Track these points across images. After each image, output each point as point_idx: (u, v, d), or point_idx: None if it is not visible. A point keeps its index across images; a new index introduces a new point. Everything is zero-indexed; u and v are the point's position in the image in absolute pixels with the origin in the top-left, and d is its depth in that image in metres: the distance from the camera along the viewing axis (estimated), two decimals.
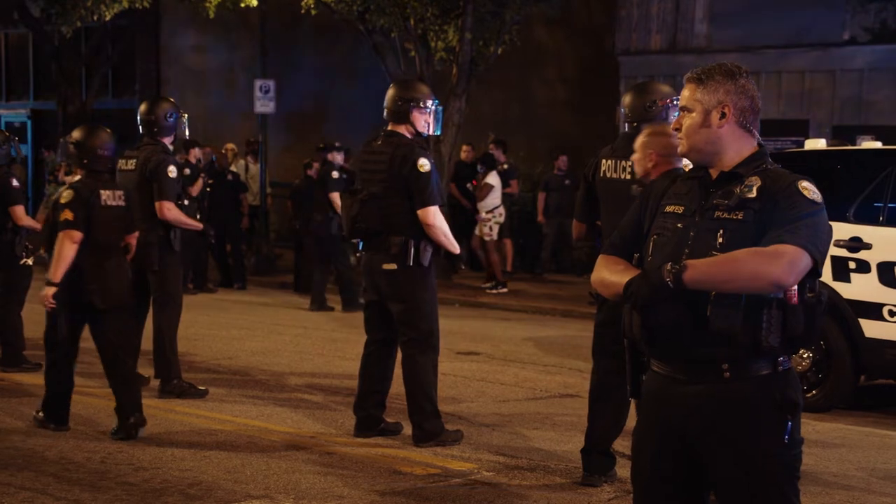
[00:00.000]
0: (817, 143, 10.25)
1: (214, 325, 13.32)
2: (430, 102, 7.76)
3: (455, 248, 7.76)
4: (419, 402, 7.76)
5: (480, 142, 20.47)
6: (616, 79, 20.07)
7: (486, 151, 18.47)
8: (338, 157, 15.35)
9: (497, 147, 18.70)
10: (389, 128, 7.77)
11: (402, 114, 7.71)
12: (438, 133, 8.11)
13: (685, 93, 3.88)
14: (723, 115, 3.79)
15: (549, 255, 19.66)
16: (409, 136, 7.70)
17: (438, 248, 7.70)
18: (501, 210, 17.64)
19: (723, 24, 19.58)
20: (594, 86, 21.17)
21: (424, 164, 7.54)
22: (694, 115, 3.82)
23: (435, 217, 7.56)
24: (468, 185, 18.54)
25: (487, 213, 17.48)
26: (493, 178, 17.50)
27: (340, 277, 15.15)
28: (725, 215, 3.71)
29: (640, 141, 6.00)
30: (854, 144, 10.43)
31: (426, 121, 7.75)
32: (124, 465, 7.10)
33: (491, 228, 17.50)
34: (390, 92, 7.81)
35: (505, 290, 17.31)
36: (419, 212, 7.54)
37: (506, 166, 18.68)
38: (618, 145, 7.00)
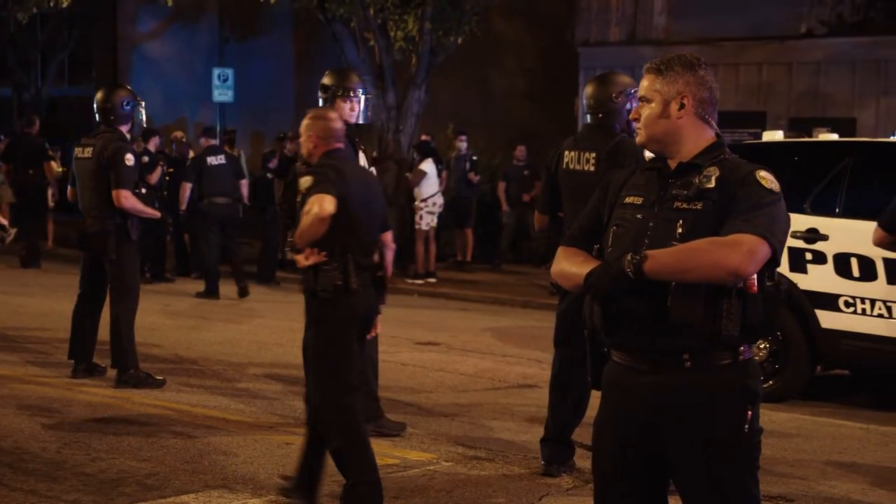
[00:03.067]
0: (775, 135, 10.33)
1: (172, 315, 13.25)
2: (358, 91, 7.80)
3: None
4: None
5: (440, 131, 20.48)
6: (575, 70, 20.12)
7: (420, 139, 18.39)
8: (211, 142, 15.83)
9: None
10: None
11: (328, 101, 7.79)
12: (363, 121, 8.11)
13: (644, 83, 3.87)
14: (682, 106, 3.79)
15: (508, 246, 19.70)
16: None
17: None
18: (436, 199, 17.51)
19: (681, 17, 19.66)
20: (553, 77, 21.22)
21: None
22: (653, 105, 3.82)
23: None
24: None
25: (421, 201, 17.36)
26: (426, 166, 17.35)
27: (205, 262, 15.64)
28: (684, 205, 3.71)
29: (303, 124, 6.14)
30: (810, 136, 10.50)
31: (351, 108, 7.79)
32: (80, 455, 7.05)
33: (422, 217, 17.37)
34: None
35: (433, 280, 17.28)
36: None
37: (475, 158, 18.84)
38: (580, 137, 7.00)
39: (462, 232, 18.98)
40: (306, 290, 5.96)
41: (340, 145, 6.14)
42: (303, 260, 5.89)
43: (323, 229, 5.74)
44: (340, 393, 5.91)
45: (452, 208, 18.70)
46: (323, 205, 5.70)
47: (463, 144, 18.85)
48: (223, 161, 15.52)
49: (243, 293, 15.08)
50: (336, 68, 8.26)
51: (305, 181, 5.88)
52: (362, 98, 7.88)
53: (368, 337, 6.23)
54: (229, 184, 15.48)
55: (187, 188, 15.59)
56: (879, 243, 6.25)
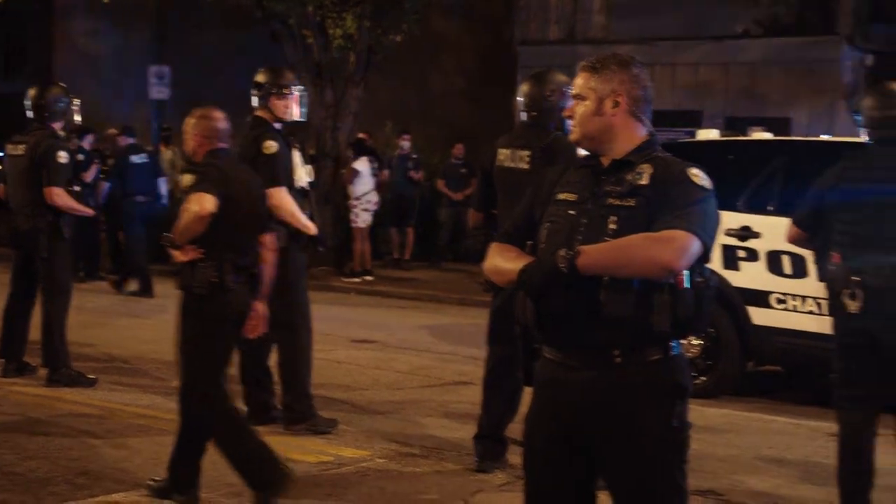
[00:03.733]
0: (709, 134, 10.43)
1: (105, 314, 13.12)
2: (292, 88, 7.77)
3: (307, 228, 7.70)
4: (289, 386, 7.72)
5: (378, 129, 20.45)
6: (514, 68, 20.16)
7: (356, 137, 18.37)
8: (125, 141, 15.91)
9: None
10: (255, 113, 7.80)
11: (262, 99, 7.77)
12: (298, 118, 8.04)
13: (579, 81, 3.88)
14: (616, 104, 3.81)
15: (446, 244, 19.72)
16: (270, 121, 7.69)
17: (298, 230, 7.65)
18: (371, 197, 17.47)
19: (620, 16, 19.80)
20: (492, 75, 21.27)
21: (271, 145, 7.51)
22: (588, 102, 3.83)
23: (279, 198, 7.49)
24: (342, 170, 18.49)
25: (355, 199, 17.35)
26: (360, 164, 17.33)
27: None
28: (617, 202, 3.73)
29: (188, 122, 6.23)
30: (746, 135, 10.60)
31: (285, 106, 7.76)
32: (10, 454, 6.95)
33: (357, 215, 17.35)
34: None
35: (370, 278, 17.26)
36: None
37: (415, 156, 18.89)
38: (515, 135, 7.01)
39: (403, 230, 18.97)
40: (182, 286, 6.04)
41: (224, 145, 6.20)
42: (180, 255, 5.97)
43: (202, 227, 5.84)
44: (211, 385, 6.03)
45: (395, 207, 18.71)
46: (203, 203, 5.81)
47: (406, 143, 18.85)
48: (146, 159, 15.53)
49: (119, 286, 15.08)
50: (270, 66, 8.21)
51: (187, 179, 6.02)
52: (297, 95, 7.84)
53: (252, 336, 6.31)
54: (150, 182, 15.49)
55: (104, 186, 15.57)
56: (793, 240, 6.32)
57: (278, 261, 7.63)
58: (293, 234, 7.65)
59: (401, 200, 18.81)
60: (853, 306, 5.76)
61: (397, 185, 18.77)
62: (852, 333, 5.84)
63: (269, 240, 6.30)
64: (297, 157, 7.80)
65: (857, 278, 5.74)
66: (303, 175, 7.85)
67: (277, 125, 7.76)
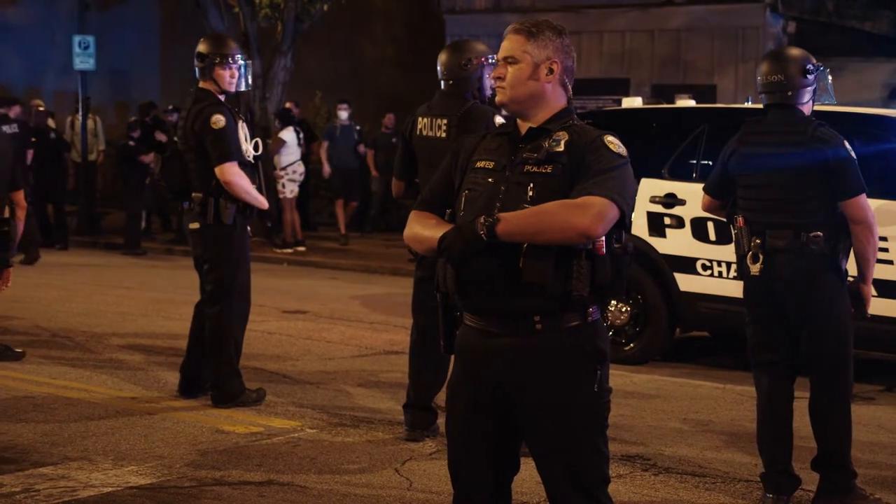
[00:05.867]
0: (634, 102, 10.49)
1: (33, 287, 12.97)
2: (237, 58, 7.66)
3: (260, 203, 7.63)
4: (216, 364, 7.67)
5: (308, 99, 20.36)
6: (442, 37, 20.15)
7: (282, 107, 18.25)
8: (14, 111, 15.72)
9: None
10: (199, 85, 7.68)
11: (206, 70, 7.63)
12: (244, 89, 7.96)
13: (510, 44, 3.85)
14: (550, 71, 3.82)
15: (378, 214, 19.71)
16: (215, 92, 7.61)
17: (246, 205, 7.60)
18: (296, 167, 17.39)
19: None
20: (421, 44, 21.24)
21: (218, 120, 7.41)
22: (522, 66, 3.82)
23: (231, 174, 7.41)
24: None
25: (281, 169, 17.27)
26: (286, 134, 17.23)
27: None
28: (535, 169, 3.77)
29: None
30: (672, 103, 10.68)
31: (230, 76, 7.64)
32: None
33: (284, 185, 17.28)
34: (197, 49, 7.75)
35: (302, 248, 17.26)
36: (216, 169, 7.42)
37: (358, 127, 18.79)
38: (434, 103, 7.02)
39: (347, 204, 18.85)
40: None
41: None
42: None
43: None
44: None
45: (342, 180, 18.59)
46: None
47: (344, 113, 18.66)
48: (15, 130, 15.27)
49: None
50: (211, 35, 8.08)
51: None
52: (241, 64, 7.74)
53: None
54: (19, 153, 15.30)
55: None
56: (707, 208, 6.41)
57: (224, 236, 7.59)
58: (241, 208, 7.58)
59: (348, 174, 18.65)
60: (755, 268, 5.86)
61: (344, 158, 18.57)
62: (757, 296, 5.94)
63: (19, 197, 6.38)
64: (244, 128, 7.71)
65: (758, 240, 5.85)
66: (249, 148, 7.76)
67: (222, 97, 7.65)
